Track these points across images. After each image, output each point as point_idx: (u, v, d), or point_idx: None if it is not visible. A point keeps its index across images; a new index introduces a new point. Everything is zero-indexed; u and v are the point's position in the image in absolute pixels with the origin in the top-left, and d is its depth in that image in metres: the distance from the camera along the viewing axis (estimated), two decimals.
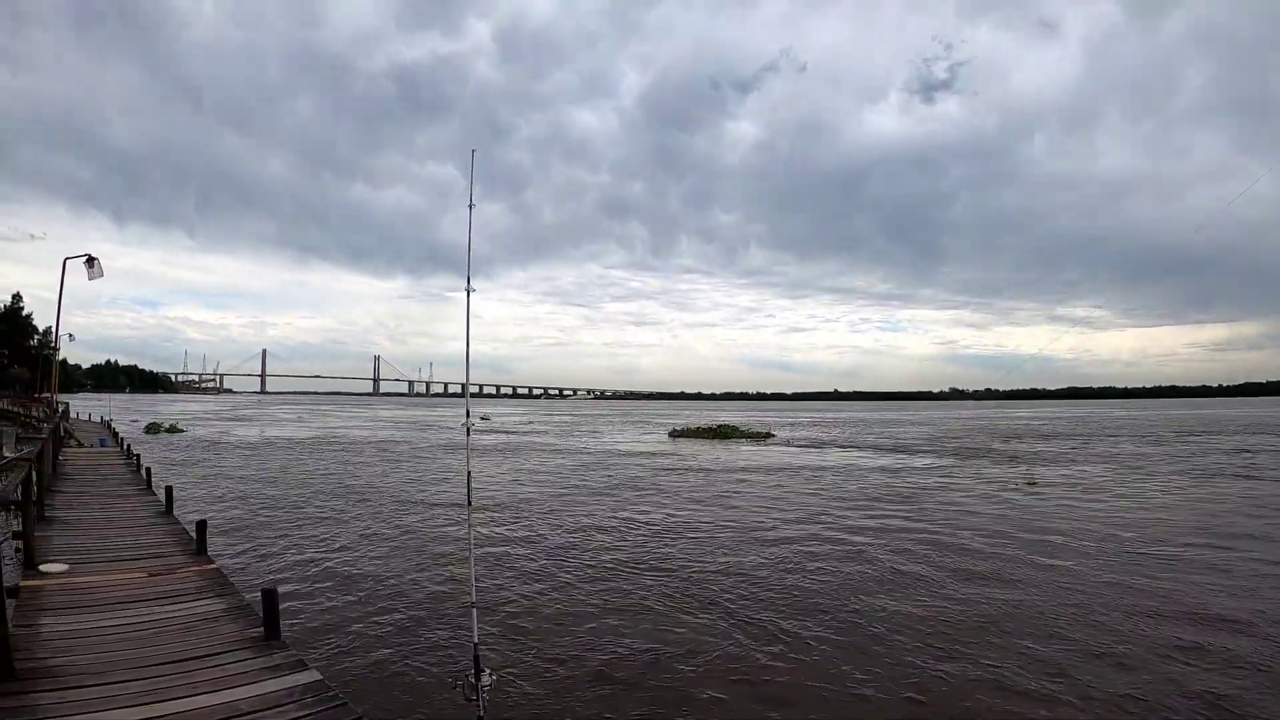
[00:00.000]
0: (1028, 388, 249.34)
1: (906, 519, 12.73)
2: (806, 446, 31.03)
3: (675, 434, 36.15)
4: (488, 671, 3.57)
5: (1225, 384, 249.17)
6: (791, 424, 53.00)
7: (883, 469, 21.86)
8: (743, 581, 8.39)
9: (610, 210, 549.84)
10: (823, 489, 16.86)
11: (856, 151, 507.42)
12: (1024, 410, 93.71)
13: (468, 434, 4.83)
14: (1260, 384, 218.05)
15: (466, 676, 3.55)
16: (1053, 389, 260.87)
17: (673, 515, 13.08)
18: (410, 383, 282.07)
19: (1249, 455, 25.20)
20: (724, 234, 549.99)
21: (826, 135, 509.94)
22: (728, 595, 7.83)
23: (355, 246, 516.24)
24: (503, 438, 35.21)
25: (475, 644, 3.64)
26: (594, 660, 5.96)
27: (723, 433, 34.69)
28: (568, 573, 8.80)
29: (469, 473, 4.39)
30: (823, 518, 12.79)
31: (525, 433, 40.19)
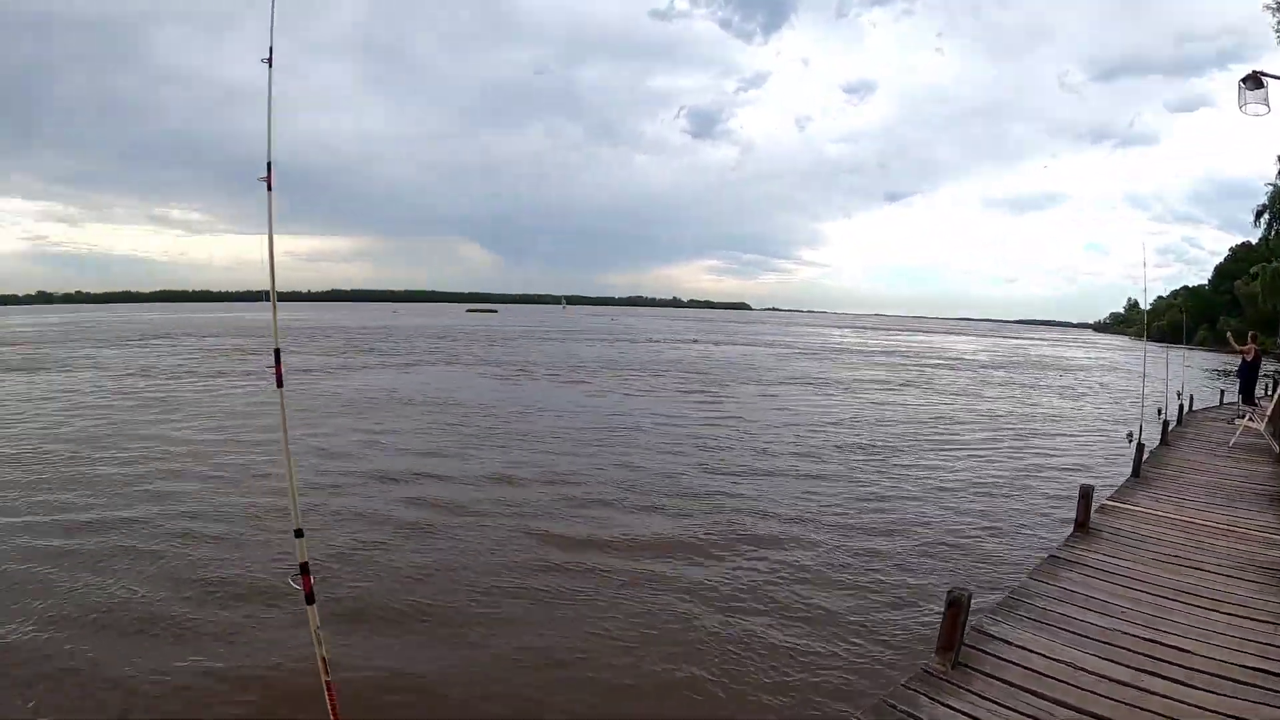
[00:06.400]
0: (120, 290, 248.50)
1: None
2: None
3: None
4: None
5: (314, 290, 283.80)
6: None
7: None
8: None
9: None
10: None
11: None
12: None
13: None
14: (345, 291, 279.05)
15: None
16: (146, 292, 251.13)
17: None
18: None
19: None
20: None
21: None
22: None
23: None
24: None
25: None
26: None
27: None
28: None
29: None
30: None
31: None
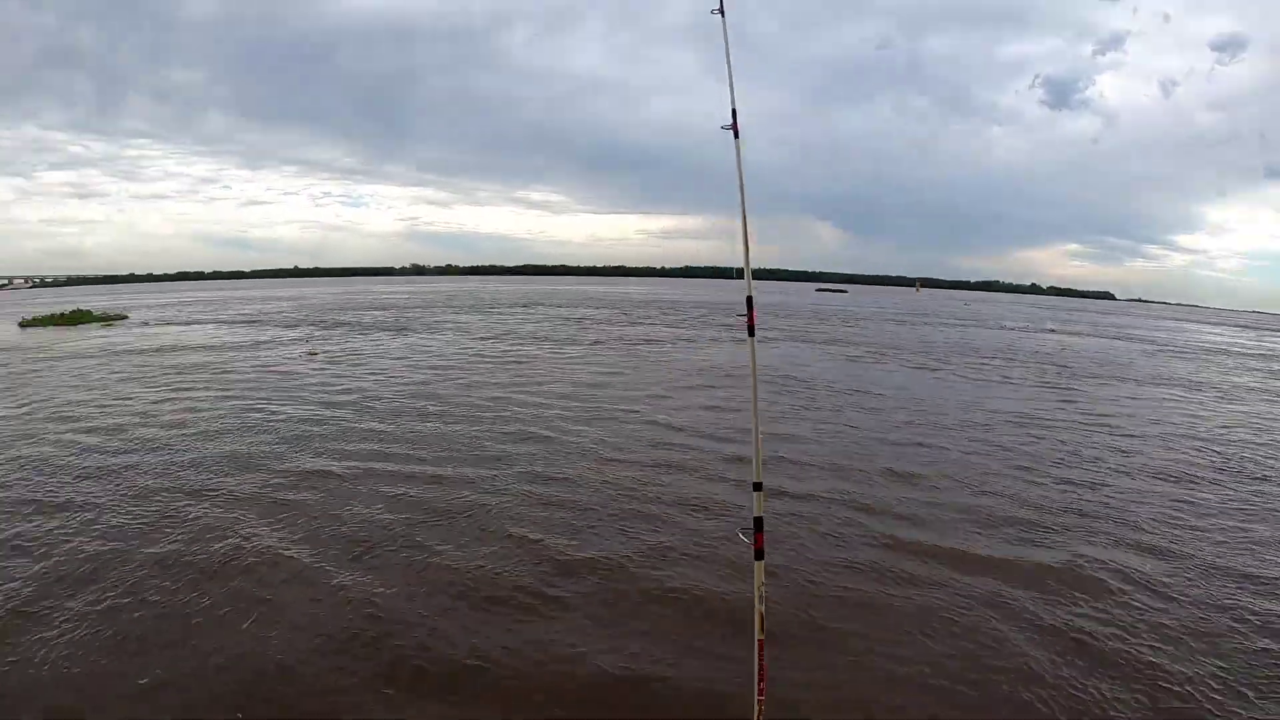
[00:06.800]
0: (487, 264, 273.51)
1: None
2: (165, 325, 30.44)
3: (26, 323, 33.56)
4: None
5: (668, 266, 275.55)
6: (177, 304, 47.55)
7: (217, 344, 21.75)
8: None
9: (52, 60, 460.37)
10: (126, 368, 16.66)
11: (332, 16, 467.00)
12: (426, 285, 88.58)
13: None
14: (698, 268, 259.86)
15: None
16: (510, 265, 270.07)
17: None
18: None
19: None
20: (182, 94, 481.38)
21: None
22: None
23: None
24: None
25: None
26: None
27: (74, 318, 34.09)
28: None
29: None
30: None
31: None
